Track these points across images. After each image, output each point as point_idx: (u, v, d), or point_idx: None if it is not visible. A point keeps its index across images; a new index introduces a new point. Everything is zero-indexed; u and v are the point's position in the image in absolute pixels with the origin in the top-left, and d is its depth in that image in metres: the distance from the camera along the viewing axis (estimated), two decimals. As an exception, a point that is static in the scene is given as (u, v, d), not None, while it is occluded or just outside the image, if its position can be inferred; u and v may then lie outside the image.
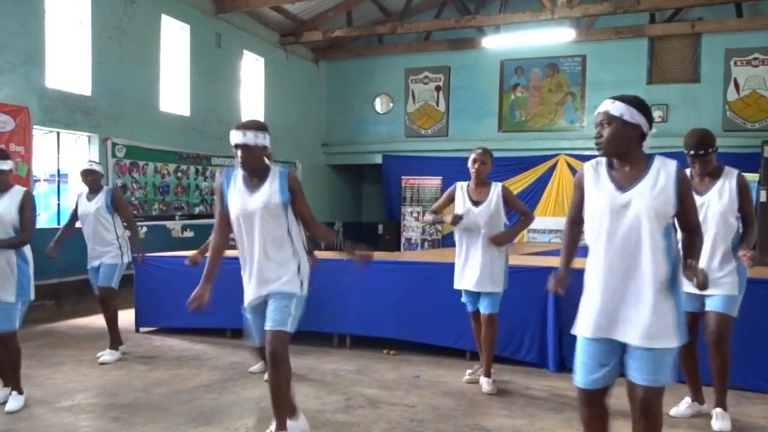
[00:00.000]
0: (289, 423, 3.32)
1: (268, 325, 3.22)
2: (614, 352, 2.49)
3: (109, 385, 4.66)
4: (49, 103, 7.87)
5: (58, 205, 8.40)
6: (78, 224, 5.45)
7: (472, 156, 4.48)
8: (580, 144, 12.41)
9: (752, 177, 9.77)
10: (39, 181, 8.16)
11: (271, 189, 3.26)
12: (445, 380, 4.79)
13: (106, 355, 5.32)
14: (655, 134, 2.54)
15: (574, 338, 2.61)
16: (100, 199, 5.33)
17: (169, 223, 10.02)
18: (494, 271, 4.42)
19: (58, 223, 8.19)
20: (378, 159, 14.06)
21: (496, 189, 4.49)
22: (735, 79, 11.80)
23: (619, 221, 2.44)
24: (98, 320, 6.14)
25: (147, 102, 9.47)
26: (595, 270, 2.52)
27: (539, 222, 12.16)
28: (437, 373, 4.98)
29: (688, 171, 3.72)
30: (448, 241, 12.40)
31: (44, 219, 8.23)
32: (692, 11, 11.76)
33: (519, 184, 12.36)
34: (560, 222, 11.93)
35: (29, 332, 6.12)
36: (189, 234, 10.29)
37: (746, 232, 3.66)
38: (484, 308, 4.47)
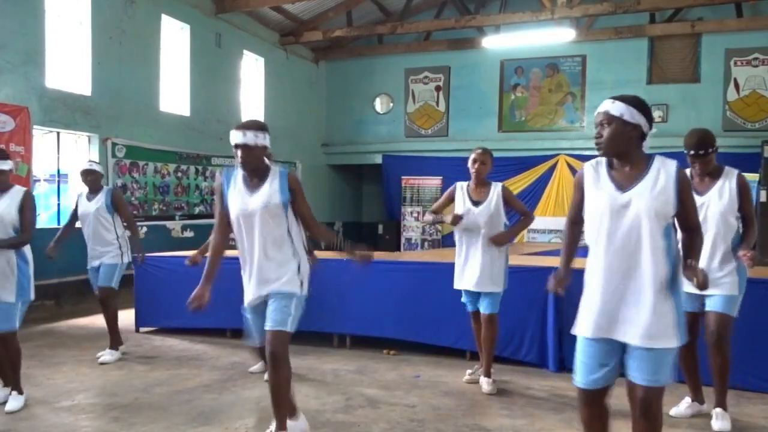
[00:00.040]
0: (289, 423, 3.32)
1: (268, 325, 3.22)
2: (614, 352, 2.49)
3: (109, 385, 4.66)
4: (49, 103, 7.87)
5: (58, 205, 8.40)
6: (78, 224, 5.45)
7: (472, 156, 4.48)
8: (580, 144, 12.41)
9: (752, 177, 9.77)
10: (39, 181, 8.16)
11: (271, 189, 3.26)
12: (445, 380, 4.79)
13: (106, 355, 5.32)
14: (655, 134, 2.54)
15: (574, 338, 2.61)
16: (100, 199, 5.33)
17: (169, 223, 10.02)
18: (494, 271, 4.43)
19: (58, 223, 8.19)
20: (378, 159, 14.07)
21: (496, 189, 4.49)
22: (735, 79, 11.80)
23: (619, 221, 2.44)
24: (98, 320, 6.14)
25: (147, 102, 9.47)
26: (595, 270, 2.52)
27: (539, 222, 12.16)
28: (437, 373, 4.98)
29: (687, 171, 3.72)
30: (448, 241, 12.40)
31: (44, 219, 8.23)
32: (692, 11, 11.76)
33: (519, 184, 12.36)
34: (560, 222, 11.93)
35: (29, 332, 6.12)
36: (189, 234, 10.29)
37: (746, 232, 3.66)
38: (484, 308, 4.47)
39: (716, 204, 3.63)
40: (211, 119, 10.78)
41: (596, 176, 2.56)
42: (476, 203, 4.46)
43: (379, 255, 6.73)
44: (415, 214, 13.43)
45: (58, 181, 8.39)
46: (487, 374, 4.51)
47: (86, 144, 8.66)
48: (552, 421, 3.89)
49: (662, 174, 2.44)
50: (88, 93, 8.46)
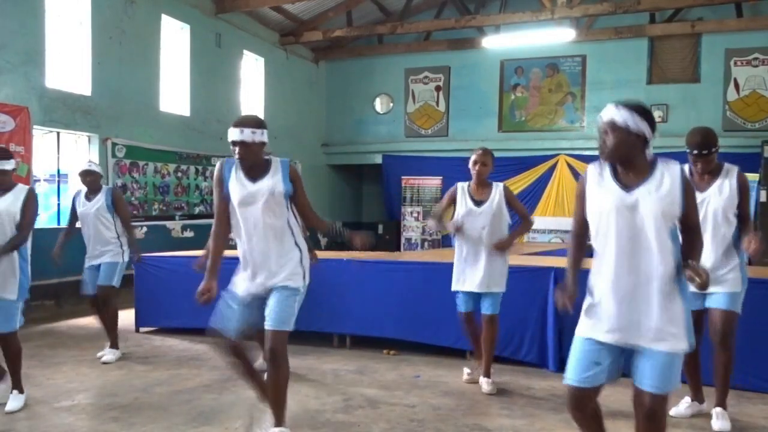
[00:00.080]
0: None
1: (270, 324, 3.21)
2: (609, 353, 2.47)
3: (109, 385, 4.65)
4: (49, 103, 7.87)
5: (58, 205, 8.40)
6: (78, 224, 5.45)
7: (473, 157, 4.47)
8: (580, 144, 12.41)
9: (752, 177, 9.77)
10: (39, 181, 8.15)
11: (275, 179, 3.26)
12: (445, 380, 4.79)
13: (108, 354, 5.32)
14: (655, 137, 2.53)
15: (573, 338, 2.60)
16: (100, 198, 5.34)
17: (169, 223, 10.02)
18: (497, 272, 4.43)
19: (58, 223, 8.20)
20: (378, 159, 14.06)
21: (498, 189, 4.48)
22: (735, 79, 11.80)
23: (626, 222, 2.42)
24: (98, 320, 6.12)
25: (147, 102, 9.47)
26: (602, 273, 2.49)
27: (539, 222, 12.14)
28: (437, 373, 4.98)
29: (687, 167, 3.73)
30: (448, 241, 12.39)
31: (44, 219, 8.23)
32: (692, 11, 11.75)
33: (519, 184, 12.35)
34: (560, 222, 11.97)
35: (29, 332, 6.12)
36: (189, 234, 10.29)
37: (741, 231, 3.64)
38: (485, 309, 4.47)
39: (716, 200, 3.62)
40: (211, 119, 10.78)
41: (600, 177, 2.54)
42: (478, 203, 4.45)
43: (379, 255, 6.74)
44: (415, 214, 13.42)
45: (58, 181, 8.39)
46: (487, 374, 4.51)
47: (86, 144, 8.66)
48: (552, 421, 3.89)
49: (666, 176, 2.44)
50: (88, 93, 8.46)
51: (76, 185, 7.88)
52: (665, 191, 2.42)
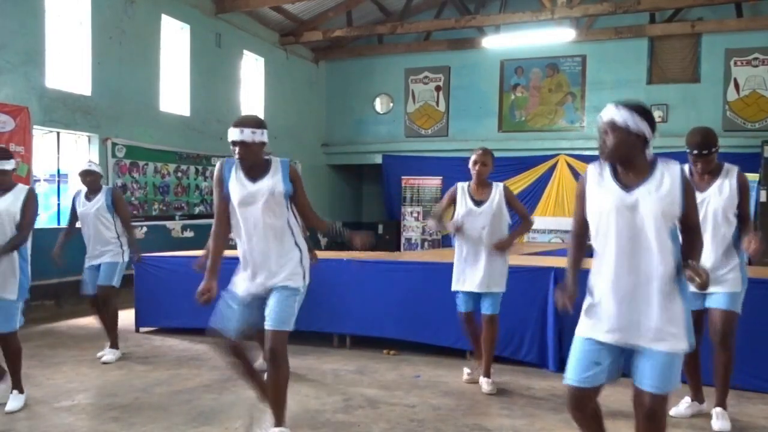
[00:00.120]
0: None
1: (270, 324, 3.21)
2: (609, 353, 2.47)
3: (109, 385, 4.65)
4: (49, 103, 7.87)
5: (58, 205, 8.40)
6: (78, 224, 5.46)
7: (473, 157, 4.47)
8: (580, 144, 12.41)
9: (752, 177, 9.76)
10: (39, 181, 8.15)
11: (275, 179, 3.26)
12: (445, 380, 4.79)
13: (108, 354, 5.32)
14: (655, 137, 2.53)
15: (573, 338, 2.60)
16: (100, 198, 5.34)
17: (169, 223, 10.02)
18: (497, 272, 4.43)
19: (58, 223, 8.20)
20: (378, 159, 14.06)
21: (498, 188, 4.48)
22: (735, 79, 11.80)
23: (627, 222, 2.42)
24: (98, 320, 6.12)
25: (147, 102, 9.47)
26: (602, 273, 2.49)
27: (539, 222, 12.15)
28: (437, 373, 4.98)
29: (686, 166, 3.73)
30: (448, 241, 12.38)
31: (44, 219, 8.23)
32: (692, 11, 11.75)
33: (519, 184, 12.35)
34: (560, 222, 11.98)
35: (29, 332, 6.12)
36: (189, 234, 10.29)
37: (741, 231, 3.64)
38: (485, 309, 4.46)
39: (716, 200, 3.62)
40: (211, 119, 10.78)
41: (600, 177, 2.54)
42: (478, 203, 4.45)
43: (379, 255, 6.74)
44: (415, 214, 13.42)
45: (58, 181, 8.39)
46: (487, 374, 4.52)
47: (86, 144, 8.66)
48: (552, 421, 3.88)
49: (666, 176, 2.44)
50: (88, 93, 8.46)
51: (76, 185, 7.89)
52: (665, 191, 2.42)
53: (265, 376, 3.44)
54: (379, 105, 14.34)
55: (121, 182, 8.99)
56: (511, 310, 4.83)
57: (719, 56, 11.85)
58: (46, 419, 3.88)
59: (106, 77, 8.70)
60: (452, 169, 11.63)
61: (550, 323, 5.04)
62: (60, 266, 5.31)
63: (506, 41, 11.83)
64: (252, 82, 12.31)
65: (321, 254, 5.61)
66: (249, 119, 3.27)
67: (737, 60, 11.76)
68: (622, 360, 2.51)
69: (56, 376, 4.85)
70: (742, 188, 3.64)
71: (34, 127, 7.60)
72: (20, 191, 4.03)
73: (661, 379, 2.39)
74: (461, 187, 4.56)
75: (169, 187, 10.02)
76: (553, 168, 12.53)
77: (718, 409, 3.74)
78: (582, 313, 2.56)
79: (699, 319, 3.64)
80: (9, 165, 4.02)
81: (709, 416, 3.81)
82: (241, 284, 3.32)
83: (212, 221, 3.49)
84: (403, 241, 13.47)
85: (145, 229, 9.21)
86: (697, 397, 3.97)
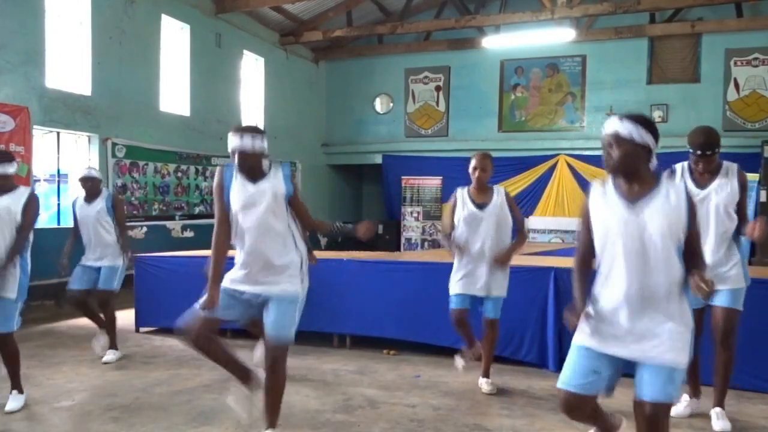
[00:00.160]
0: None
1: (272, 336, 3.21)
2: (610, 365, 2.48)
3: (109, 385, 4.65)
4: (49, 103, 7.87)
5: (58, 205, 8.40)
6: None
7: (473, 163, 4.43)
8: (580, 144, 12.40)
9: (752, 177, 9.77)
10: (39, 181, 8.16)
11: (275, 180, 3.27)
12: (445, 380, 4.79)
13: (109, 354, 5.32)
14: (658, 147, 2.54)
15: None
16: (100, 202, 5.34)
17: (169, 223, 10.02)
18: (499, 276, 4.41)
19: (58, 223, 8.21)
20: (378, 159, 14.07)
21: (499, 192, 4.44)
22: (735, 79, 11.80)
23: (633, 239, 2.42)
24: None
25: (147, 102, 9.48)
26: (606, 285, 2.50)
27: (539, 222, 12.18)
28: (437, 373, 4.98)
29: (685, 164, 3.73)
30: (448, 241, 12.38)
31: (44, 219, 8.23)
32: (692, 11, 11.75)
33: (519, 184, 12.35)
34: (560, 222, 11.99)
35: (29, 332, 6.12)
36: (189, 234, 10.30)
37: (740, 227, 3.64)
38: (487, 312, 4.44)
39: (718, 197, 3.62)
40: (211, 119, 10.78)
41: (603, 194, 2.54)
42: (480, 206, 4.41)
43: (379, 255, 6.74)
44: (415, 214, 13.43)
45: (58, 181, 8.40)
46: (487, 375, 4.51)
47: (86, 144, 8.66)
48: (552, 421, 3.89)
49: (672, 192, 2.45)
50: (88, 93, 8.47)
51: (76, 185, 7.91)
52: (672, 206, 2.42)
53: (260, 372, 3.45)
54: (379, 105, 14.35)
55: (121, 182, 8.99)
56: (511, 310, 4.82)
57: (719, 56, 11.86)
58: (46, 419, 3.88)
59: (106, 77, 8.70)
60: (452, 169, 11.63)
61: (550, 323, 5.04)
62: (66, 274, 5.30)
63: (506, 41, 11.83)
64: (252, 82, 12.32)
65: (320, 254, 5.61)
66: (248, 126, 3.30)
67: (737, 60, 11.77)
68: (620, 372, 2.51)
69: (56, 376, 4.85)
70: (743, 186, 3.65)
71: (34, 127, 7.61)
72: (21, 194, 4.03)
73: (663, 392, 2.39)
74: (461, 193, 4.52)
75: (169, 187, 10.02)
76: (553, 168, 12.53)
77: (718, 410, 3.73)
78: (581, 321, 2.53)
79: (700, 317, 3.64)
80: (11, 168, 4.02)
81: (709, 416, 3.80)
82: (240, 284, 3.31)
83: (212, 221, 3.48)
84: (403, 241, 13.47)
85: (145, 229, 9.22)
86: (695, 394, 3.97)
